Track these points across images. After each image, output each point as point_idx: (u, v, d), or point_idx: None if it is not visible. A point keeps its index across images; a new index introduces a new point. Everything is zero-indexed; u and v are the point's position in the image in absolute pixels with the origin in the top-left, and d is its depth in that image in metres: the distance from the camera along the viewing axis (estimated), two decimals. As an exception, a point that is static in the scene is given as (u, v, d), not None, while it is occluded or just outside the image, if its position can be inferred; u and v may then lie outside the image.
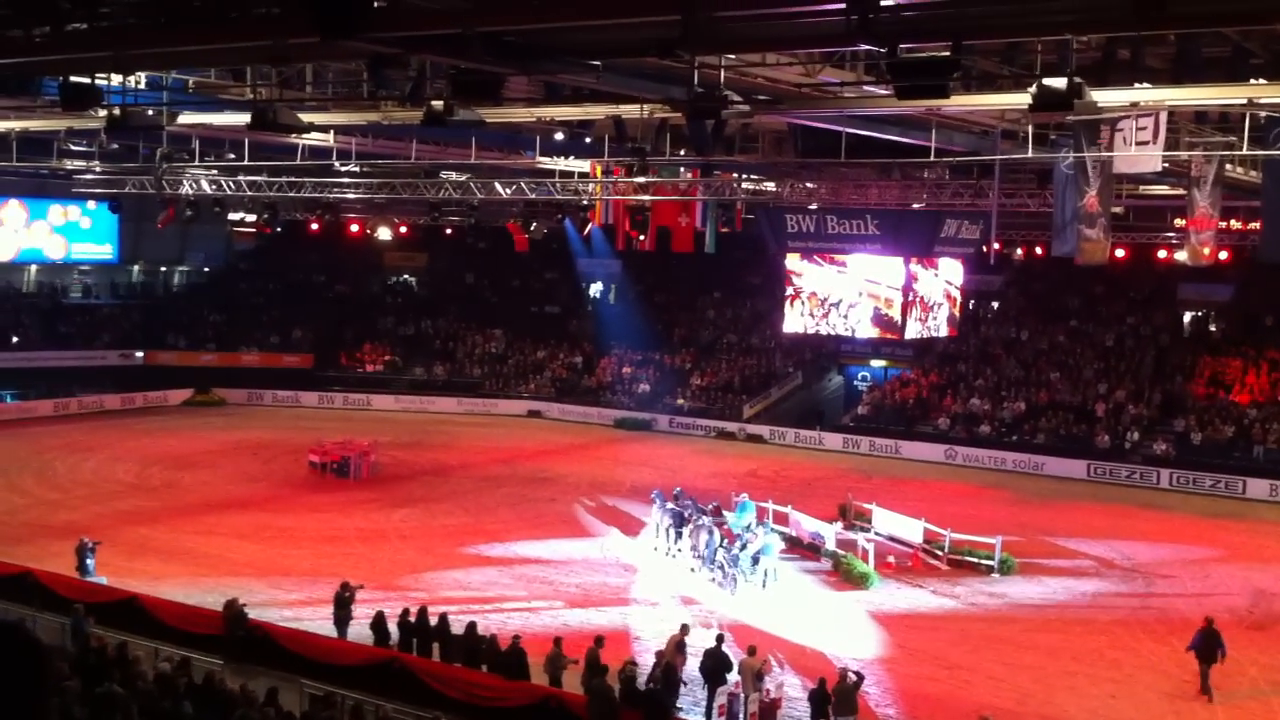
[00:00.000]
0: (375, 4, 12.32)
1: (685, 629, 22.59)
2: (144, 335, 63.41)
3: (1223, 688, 23.11)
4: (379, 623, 22.91)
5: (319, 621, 24.49)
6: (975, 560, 31.90)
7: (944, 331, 42.33)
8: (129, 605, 23.75)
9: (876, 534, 33.09)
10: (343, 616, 23.81)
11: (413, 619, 22.78)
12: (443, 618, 22.76)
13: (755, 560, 29.16)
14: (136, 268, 68.18)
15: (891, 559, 32.06)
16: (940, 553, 32.20)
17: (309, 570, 30.03)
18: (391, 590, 27.60)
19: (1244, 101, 19.95)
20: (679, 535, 31.90)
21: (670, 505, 32.86)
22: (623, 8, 13.22)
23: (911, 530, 33.04)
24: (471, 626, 22.17)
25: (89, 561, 27.00)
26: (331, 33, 12.30)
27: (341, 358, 63.91)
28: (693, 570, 30.64)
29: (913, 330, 39.14)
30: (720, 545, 29.76)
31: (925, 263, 38.48)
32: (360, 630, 23.51)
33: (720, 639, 22.18)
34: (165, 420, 55.26)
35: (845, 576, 30.54)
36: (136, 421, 54.53)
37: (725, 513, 33.08)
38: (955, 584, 30.73)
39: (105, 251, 63.60)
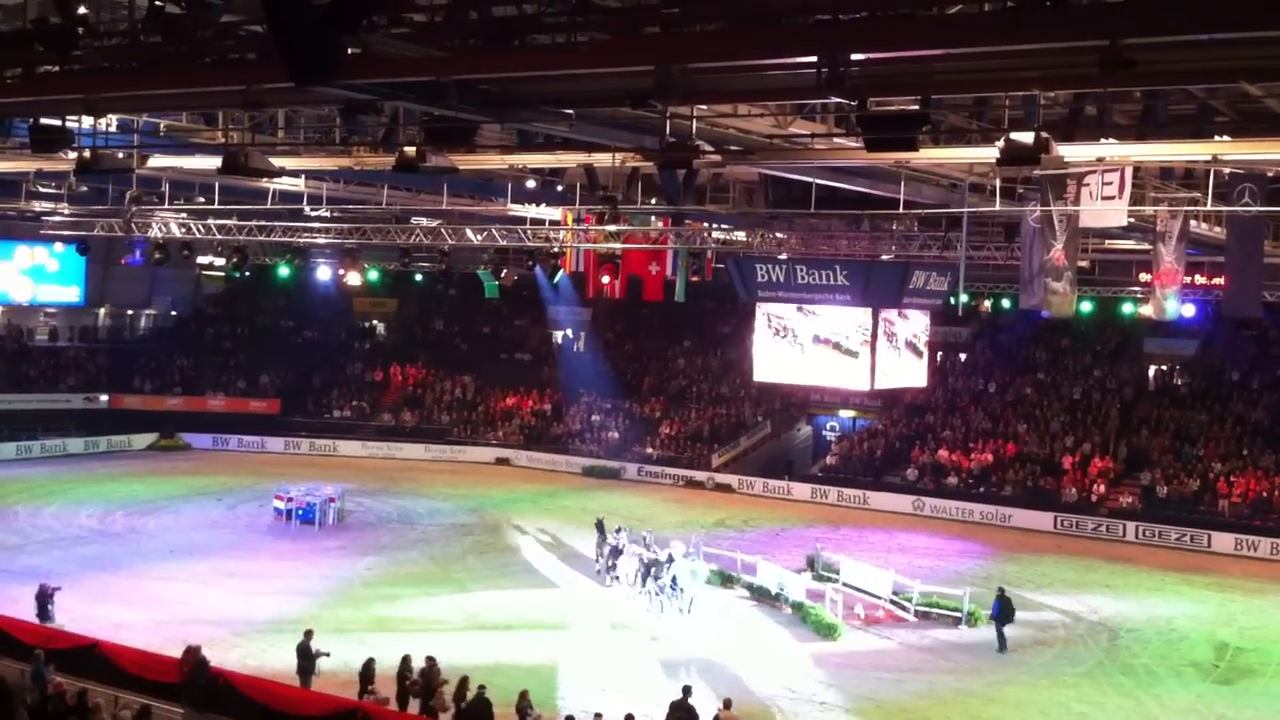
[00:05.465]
0: (350, 50, 12.31)
1: None
2: (109, 379, 62.88)
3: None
4: (367, 670, 22.78)
5: (281, 667, 24.20)
6: (943, 612, 31.88)
7: (922, 381, 42.49)
8: (90, 652, 23.37)
9: (844, 585, 33.05)
10: (306, 666, 23.55)
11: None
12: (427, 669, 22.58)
13: (674, 584, 31.44)
14: (103, 311, 67.74)
15: (859, 610, 32.00)
16: (908, 604, 32.17)
17: (273, 618, 29.70)
18: (353, 639, 27.32)
19: (1209, 158, 20.16)
20: (614, 566, 34.28)
21: (611, 540, 35.01)
22: (597, 59, 13.28)
23: (879, 581, 32.99)
24: (463, 681, 21.83)
25: (50, 607, 26.66)
26: (306, 79, 12.27)
27: (309, 402, 63.68)
28: (627, 598, 32.49)
29: (885, 380, 39.17)
30: (649, 574, 31.99)
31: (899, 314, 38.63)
32: (322, 682, 23.28)
33: (686, 691, 22.02)
34: (129, 464, 54.70)
35: (813, 628, 30.46)
36: (100, 465, 53.99)
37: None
38: (923, 636, 30.70)
39: (72, 294, 63.11)
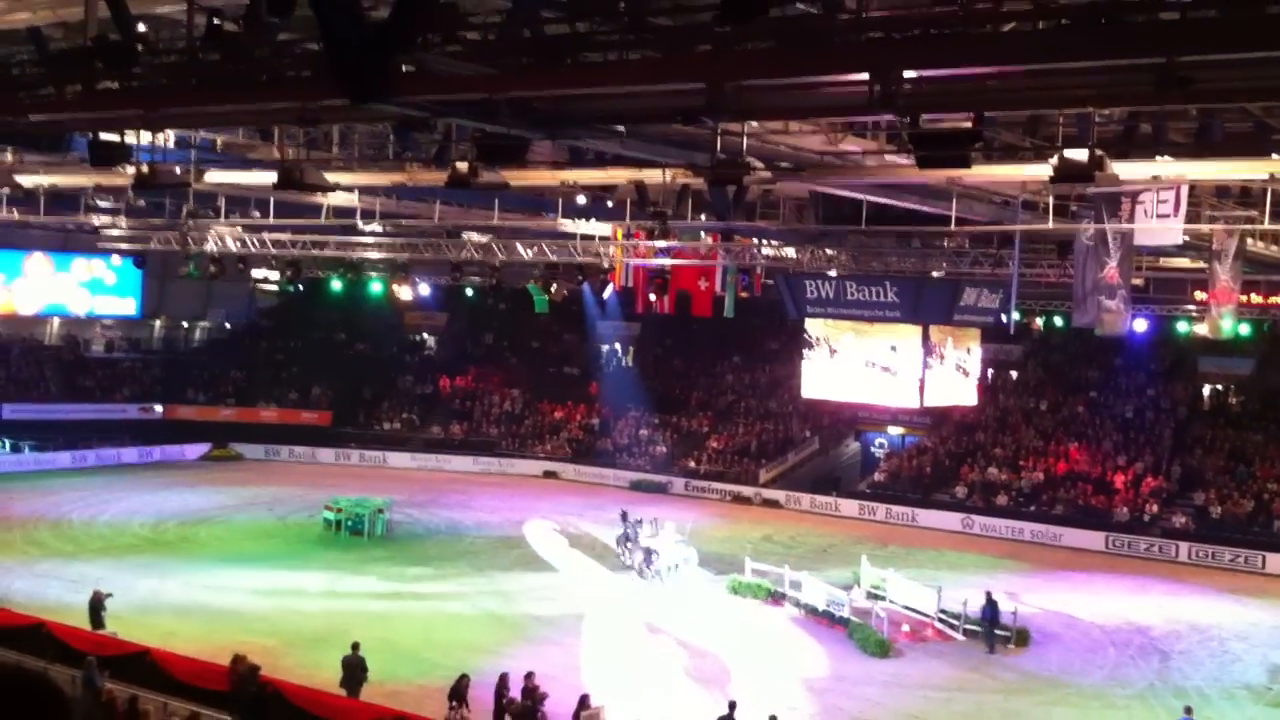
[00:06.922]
0: (404, 68, 12.44)
1: None
2: (164, 389, 63.68)
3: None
4: (459, 686, 22.90)
5: (330, 676, 24.32)
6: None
7: (972, 400, 42.23)
8: (141, 659, 23.65)
9: (893, 602, 32.87)
10: (355, 677, 23.67)
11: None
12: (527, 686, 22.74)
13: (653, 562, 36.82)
14: (159, 323, 68.59)
15: (907, 628, 31.82)
16: (956, 622, 31.95)
17: (322, 628, 29.91)
18: (401, 650, 27.47)
19: (1266, 176, 19.97)
20: (628, 551, 38.54)
21: (626, 527, 39.09)
22: (649, 76, 13.33)
23: (928, 599, 32.79)
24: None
25: (102, 614, 26.97)
26: (360, 96, 12.41)
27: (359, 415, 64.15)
28: (633, 578, 36.90)
29: (934, 398, 38.91)
30: (649, 560, 37.06)
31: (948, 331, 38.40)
32: (370, 692, 23.40)
33: (732, 707, 21.99)
34: (182, 474, 55.33)
35: (860, 645, 30.31)
36: (153, 475, 54.62)
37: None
38: (971, 654, 30.46)
39: (128, 306, 63.98)
